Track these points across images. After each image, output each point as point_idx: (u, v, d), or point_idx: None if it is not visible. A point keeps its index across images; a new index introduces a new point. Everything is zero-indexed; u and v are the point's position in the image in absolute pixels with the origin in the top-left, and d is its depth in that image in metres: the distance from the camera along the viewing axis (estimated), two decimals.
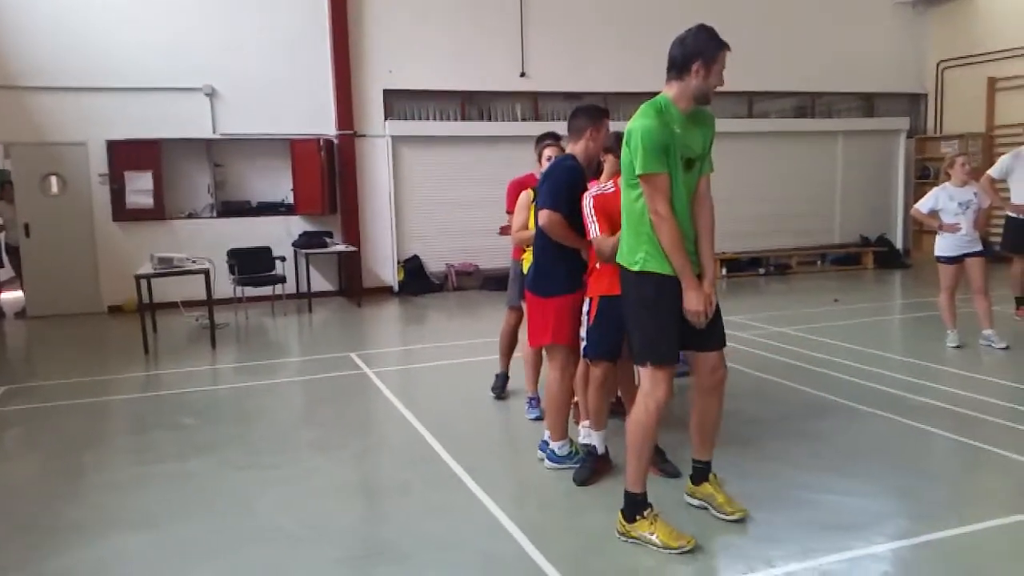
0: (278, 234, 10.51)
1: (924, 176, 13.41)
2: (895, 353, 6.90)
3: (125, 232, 10.09)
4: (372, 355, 7.47)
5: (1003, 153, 11.07)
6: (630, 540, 3.38)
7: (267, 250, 9.98)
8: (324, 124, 10.72)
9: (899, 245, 13.42)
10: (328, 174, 10.66)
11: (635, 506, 3.39)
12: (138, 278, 7.80)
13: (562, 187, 4.08)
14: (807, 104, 13.31)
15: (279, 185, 10.81)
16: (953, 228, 6.70)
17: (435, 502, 3.97)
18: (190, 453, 4.77)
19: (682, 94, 3.28)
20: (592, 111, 4.15)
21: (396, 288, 11.10)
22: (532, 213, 4.77)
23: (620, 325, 3.61)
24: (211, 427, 5.34)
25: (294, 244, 10.51)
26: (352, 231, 10.89)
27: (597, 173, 4.18)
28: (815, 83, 13.01)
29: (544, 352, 4.41)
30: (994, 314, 6.89)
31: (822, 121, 13.26)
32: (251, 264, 9.75)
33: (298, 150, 10.59)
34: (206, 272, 7.91)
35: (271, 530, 3.69)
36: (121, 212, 10.06)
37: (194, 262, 8.21)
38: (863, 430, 4.86)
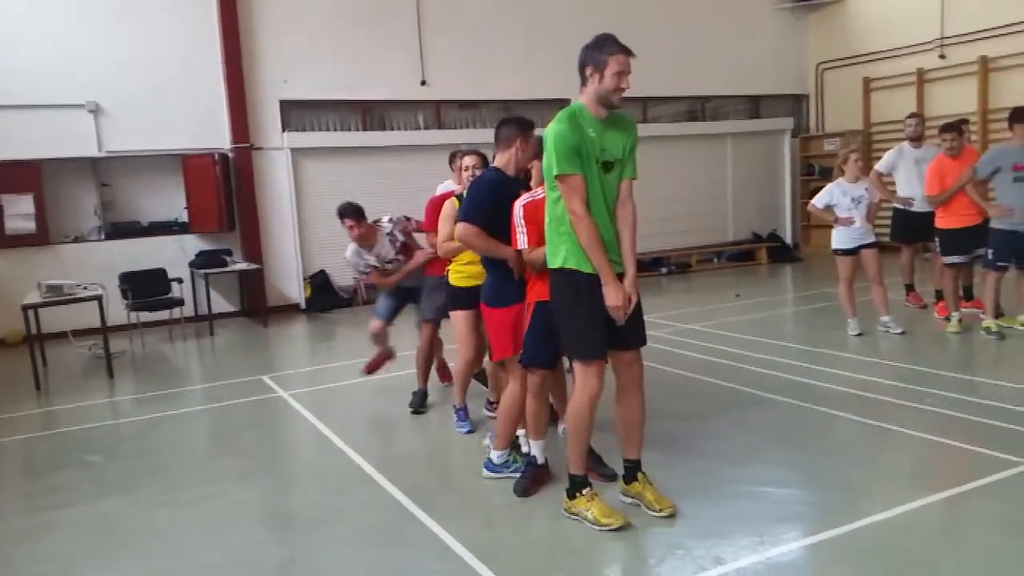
0: (173, 254, 10.02)
1: (809, 173, 14.10)
2: (800, 343, 7.21)
3: (5, 259, 9.38)
4: (285, 376, 7.21)
5: (879, 148, 11.81)
6: (571, 516, 3.65)
7: (162, 272, 9.50)
8: (218, 138, 10.30)
9: (789, 240, 14.05)
10: (224, 189, 10.25)
11: (575, 485, 3.66)
12: (25, 308, 7.27)
13: (480, 200, 4.07)
14: (697, 108, 13.78)
15: (172, 203, 10.31)
16: (848, 221, 7.05)
17: (373, 527, 3.85)
18: (101, 493, 4.46)
19: (589, 99, 3.47)
20: (520, 122, 4.14)
21: (303, 305, 10.78)
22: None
23: (555, 332, 3.64)
24: (120, 464, 5.02)
25: (191, 264, 10.05)
26: (253, 248, 10.51)
27: (527, 183, 4.17)
28: (704, 87, 13.48)
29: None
30: (890, 301, 7.30)
31: (712, 124, 13.74)
32: (145, 288, 9.25)
33: (191, 166, 10.14)
34: (99, 298, 7.45)
35: (200, 569, 3.49)
36: (0, 238, 9.37)
37: (85, 288, 7.72)
38: (782, 420, 5.04)
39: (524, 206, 3.85)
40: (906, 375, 5.85)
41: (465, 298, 4.82)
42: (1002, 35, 11.28)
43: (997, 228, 6.64)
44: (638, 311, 3.56)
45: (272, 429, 5.76)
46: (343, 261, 6.10)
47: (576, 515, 3.62)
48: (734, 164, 13.84)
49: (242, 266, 10.14)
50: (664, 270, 12.71)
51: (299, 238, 10.76)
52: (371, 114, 11.31)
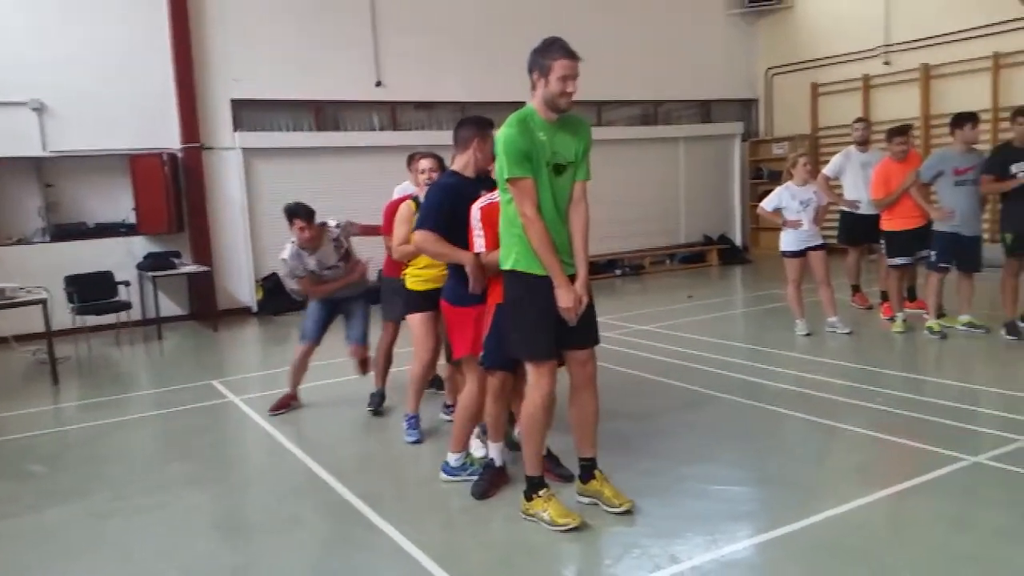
0: (120, 257, 9.77)
1: (758, 177, 14.36)
2: (750, 343, 7.35)
3: None
4: (236, 381, 7.09)
5: (826, 152, 12.08)
6: (529, 518, 3.65)
7: (108, 275, 9.25)
8: (167, 137, 10.08)
9: (739, 242, 14.29)
10: (173, 190, 10.03)
11: (532, 487, 3.68)
12: None
13: (436, 206, 4.06)
14: (650, 112, 13.94)
15: (119, 204, 10.06)
16: (796, 224, 7.20)
17: (328, 532, 3.82)
18: (47, 503, 4.33)
19: (538, 103, 3.51)
20: (478, 122, 4.13)
21: (255, 308, 10.61)
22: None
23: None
24: (66, 472, 4.88)
25: (138, 267, 9.83)
26: (203, 250, 10.31)
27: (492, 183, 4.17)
28: (657, 92, 13.64)
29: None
30: (837, 302, 7.47)
31: (664, 128, 13.90)
32: (91, 291, 9.00)
33: (139, 166, 9.90)
34: (43, 302, 7.24)
35: None
36: None
37: (28, 292, 7.49)
38: (733, 419, 5.14)
39: (481, 209, 3.86)
40: (853, 374, 6.00)
41: (422, 302, 4.79)
42: (943, 43, 11.64)
43: (939, 231, 6.85)
44: (591, 311, 3.60)
45: (223, 435, 5.66)
46: (279, 263, 5.78)
47: (533, 517, 3.63)
48: (686, 167, 14.03)
49: (191, 268, 9.94)
50: (618, 272, 12.83)
51: (250, 240, 10.59)
52: (325, 114, 11.20)
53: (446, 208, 4.01)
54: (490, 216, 3.78)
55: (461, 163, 4.10)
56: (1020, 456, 4.15)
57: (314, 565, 3.48)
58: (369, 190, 9.25)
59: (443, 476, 4.24)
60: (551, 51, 3.41)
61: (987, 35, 11.11)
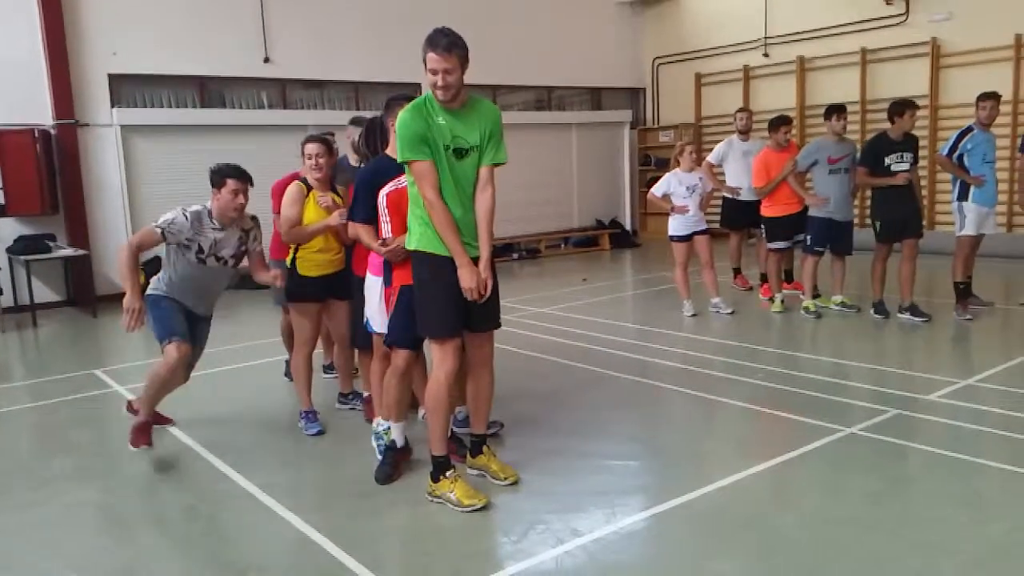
0: None
1: (646, 163, 14.81)
2: (642, 324, 7.63)
3: None
4: (121, 370, 6.77)
5: (709, 140, 12.58)
6: (435, 499, 3.69)
7: None
8: (39, 113, 9.44)
9: (629, 227, 14.72)
10: (47, 169, 9.42)
11: (438, 467, 3.72)
12: None
13: (363, 196, 4.07)
14: (544, 98, 14.11)
15: None
16: (683, 210, 7.50)
17: (230, 524, 3.74)
18: None
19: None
20: (408, 100, 4.06)
21: None
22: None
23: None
24: None
25: (8, 250, 9.20)
26: (80, 232, 9.76)
27: None
28: (550, 78, 13.83)
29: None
30: (720, 284, 7.84)
31: (557, 114, 14.13)
32: None
33: (8, 143, 9.22)
34: None
35: None
36: None
37: None
38: (629, 396, 5.35)
39: (388, 195, 3.86)
40: (736, 352, 6.33)
41: (310, 288, 4.73)
42: (817, 37, 12.32)
43: (814, 216, 7.29)
44: (494, 293, 3.69)
45: (109, 426, 5.39)
46: (164, 223, 4.25)
47: (439, 498, 3.68)
48: (579, 153, 14.30)
49: (67, 252, 9.38)
50: (515, 255, 12.99)
51: (130, 221, 10.07)
52: (210, 91, 10.76)
53: (367, 193, 4.01)
54: (397, 203, 3.79)
55: (393, 146, 4.04)
56: (888, 426, 4.52)
57: (212, 558, 3.40)
58: (257, 169, 8.82)
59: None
60: (426, 44, 3.45)
61: (856, 31, 11.85)
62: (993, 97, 6.99)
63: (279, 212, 4.97)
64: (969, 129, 7.05)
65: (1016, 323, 7.12)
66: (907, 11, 11.35)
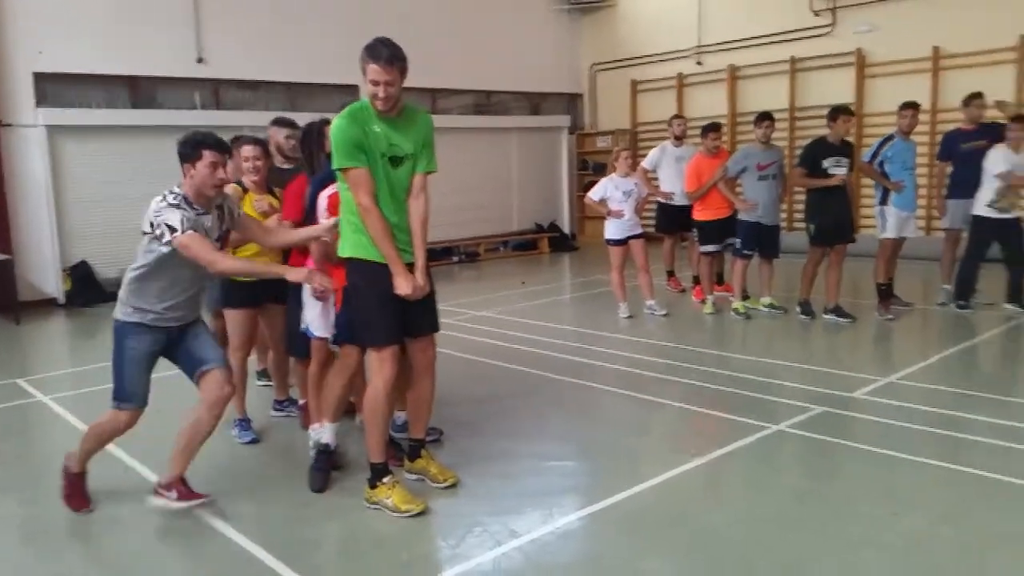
0: None
1: (584, 168, 14.97)
2: (579, 326, 7.73)
3: None
4: (45, 379, 6.55)
5: (644, 146, 12.79)
6: (373, 506, 3.67)
7: None
8: None
9: (567, 230, 14.87)
10: None
11: (376, 474, 3.71)
12: None
13: (311, 204, 4.06)
14: (484, 102, 14.16)
15: None
16: (619, 214, 7.62)
17: (161, 536, 3.63)
18: None
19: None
20: None
21: (62, 300, 9.79)
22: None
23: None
24: None
25: None
26: (1, 236, 9.39)
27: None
28: (490, 82, 13.86)
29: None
30: (655, 286, 8.00)
31: (497, 118, 14.17)
32: None
33: None
34: None
35: None
36: None
37: None
38: (566, 398, 5.42)
39: (328, 198, 3.87)
40: (670, 352, 6.47)
41: (242, 294, 4.66)
42: (747, 47, 12.65)
43: (743, 220, 7.50)
44: (431, 298, 3.71)
45: (32, 437, 5.25)
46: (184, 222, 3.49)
47: (377, 504, 3.67)
48: (518, 158, 14.39)
49: None
50: (455, 258, 12.99)
51: (56, 225, 9.71)
52: (141, 91, 10.48)
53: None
54: (336, 207, 3.77)
55: None
56: (815, 423, 4.68)
57: (139, 570, 3.32)
58: None
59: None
60: (364, 56, 3.45)
61: (785, 41, 12.21)
62: (913, 107, 7.31)
63: None
64: (890, 137, 7.35)
65: (935, 323, 7.45)
66: (834, 22, 11.75)
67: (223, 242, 3.78)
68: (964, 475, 3.91)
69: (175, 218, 3.45)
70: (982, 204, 7.23)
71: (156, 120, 10.33)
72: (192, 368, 3.77)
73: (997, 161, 7.09)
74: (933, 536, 3.34)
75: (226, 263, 3.61)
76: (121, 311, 3.64)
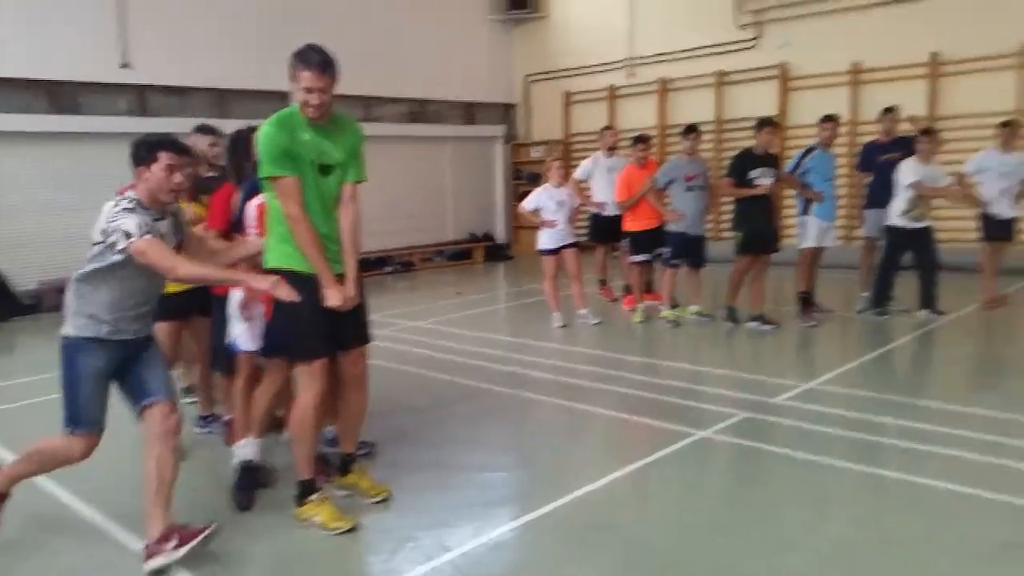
0: None
1: (518, 178, 15.06)
2: (513, 336, 7.77)
3: None
4: None
5: (577, 157, 12.94)
6: (302, 523, 3.59)
7: None
8: None
9: (502, 240, 14.93)
10: None
11: (304, 491, 3.63)
12: None
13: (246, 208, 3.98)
14: (419, 110, 14.12)
15: None
16: (552, 224, 7.70)
17: (77, 560, 3.50)
18: None
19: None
20: None
21: None
22: None
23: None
24: None
25: None
26: None
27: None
28: (424, 91, 13.84)
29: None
30: (587, 295, 8.10)
31: (431, 127, 14.15)
32: None
33: None
34: None
35: None
36: None
37: None
38: (499, 408, 5.43)
39: (258, 207, 3.79)
40: (602, 361, 6.56)
41: (172, 305, 4.52)
42: (677, 60, 12.94)
43: (672, 231, 7.66)
44: (362, 310, 3.66)
45: None
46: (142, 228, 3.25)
47: (306, 522, 3.61)
48: (452, 167, 14.42)
49: None
50: (389, 268, 12.89)
51: None
52: (62, 97, 10.11)
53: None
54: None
55: None
56: (739, 429, 4.81)
57: None
58: (112, 180, 8.49)
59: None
60: (298, 61, 3.40)
61: (713, 55, 12.53)
62: (833, 119, 7.59)
63: None
64: (811, 149, 7.62)
65: (853, 329, 7.72)
66: (759, 36, 12.11)
67: (179, 250, 3.48)
68: (882, 478, 4.05)
69: (131, 223, 3.19)
70: (895, 214, 7.54)
71: (76, 127, 10.01)
72: (137, 398, 3.48)
73: (908, 173, 7.41)
74: (855, 539, 3.45)
75: (186, 268, 3.27)
76: (73, 325, 3.33)
